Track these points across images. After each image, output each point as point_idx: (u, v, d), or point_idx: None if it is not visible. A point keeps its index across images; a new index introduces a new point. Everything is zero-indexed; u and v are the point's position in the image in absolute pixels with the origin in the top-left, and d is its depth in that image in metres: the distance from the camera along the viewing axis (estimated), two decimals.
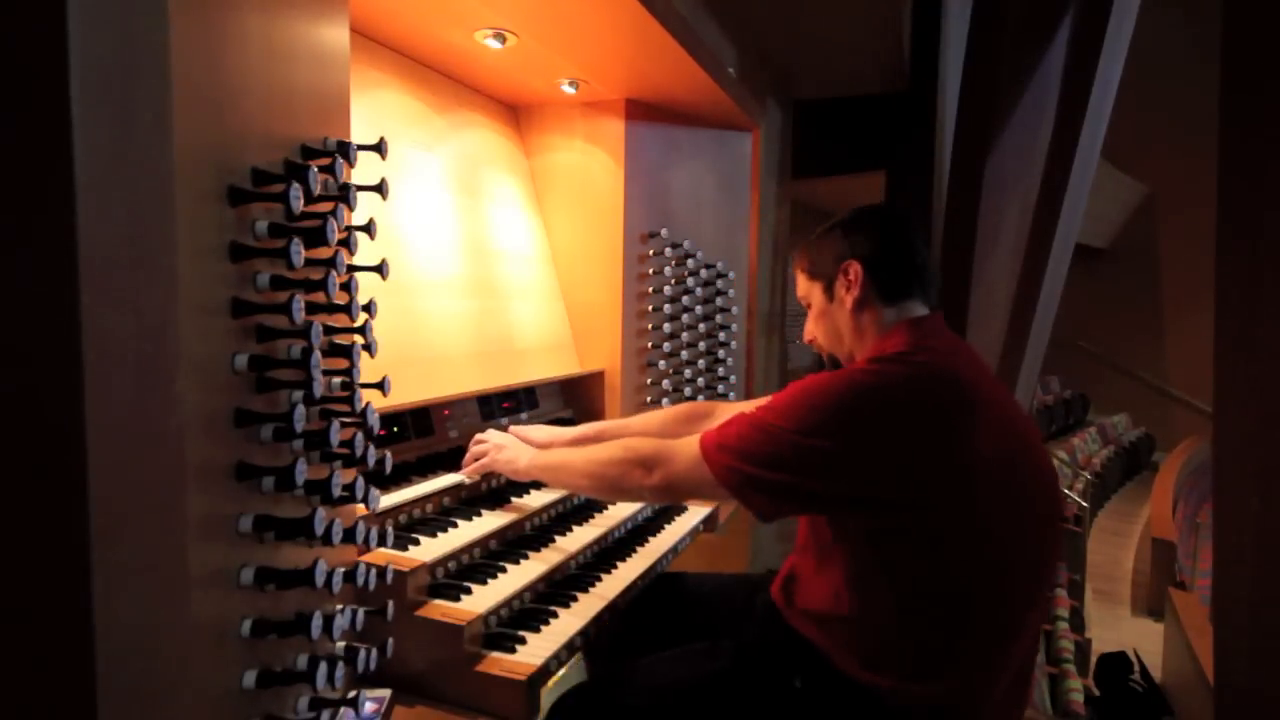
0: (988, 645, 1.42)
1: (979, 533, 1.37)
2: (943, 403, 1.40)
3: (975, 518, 1.37)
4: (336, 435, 1.12)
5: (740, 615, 1.74)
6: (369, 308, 1.23)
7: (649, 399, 2.71)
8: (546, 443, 1.98)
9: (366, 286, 1.23)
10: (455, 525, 1.68)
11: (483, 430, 1.94)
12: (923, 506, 1.36)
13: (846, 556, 1.47)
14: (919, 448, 1.36)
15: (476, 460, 1.84)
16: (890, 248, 1.60)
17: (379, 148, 1.26)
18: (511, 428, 2.01)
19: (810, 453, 1.37)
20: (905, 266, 1.59)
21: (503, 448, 1.84)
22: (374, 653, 1.18)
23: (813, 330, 1.72)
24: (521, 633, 1.49)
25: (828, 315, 1.66)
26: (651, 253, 2.68)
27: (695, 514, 2.37)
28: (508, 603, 1.55)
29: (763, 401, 1.55)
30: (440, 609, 1.43)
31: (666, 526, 2.23)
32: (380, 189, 1.28)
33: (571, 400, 2.60)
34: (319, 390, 1.09)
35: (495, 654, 1.42)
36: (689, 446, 1.53)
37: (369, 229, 1.26)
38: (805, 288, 1.72)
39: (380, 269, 1.29)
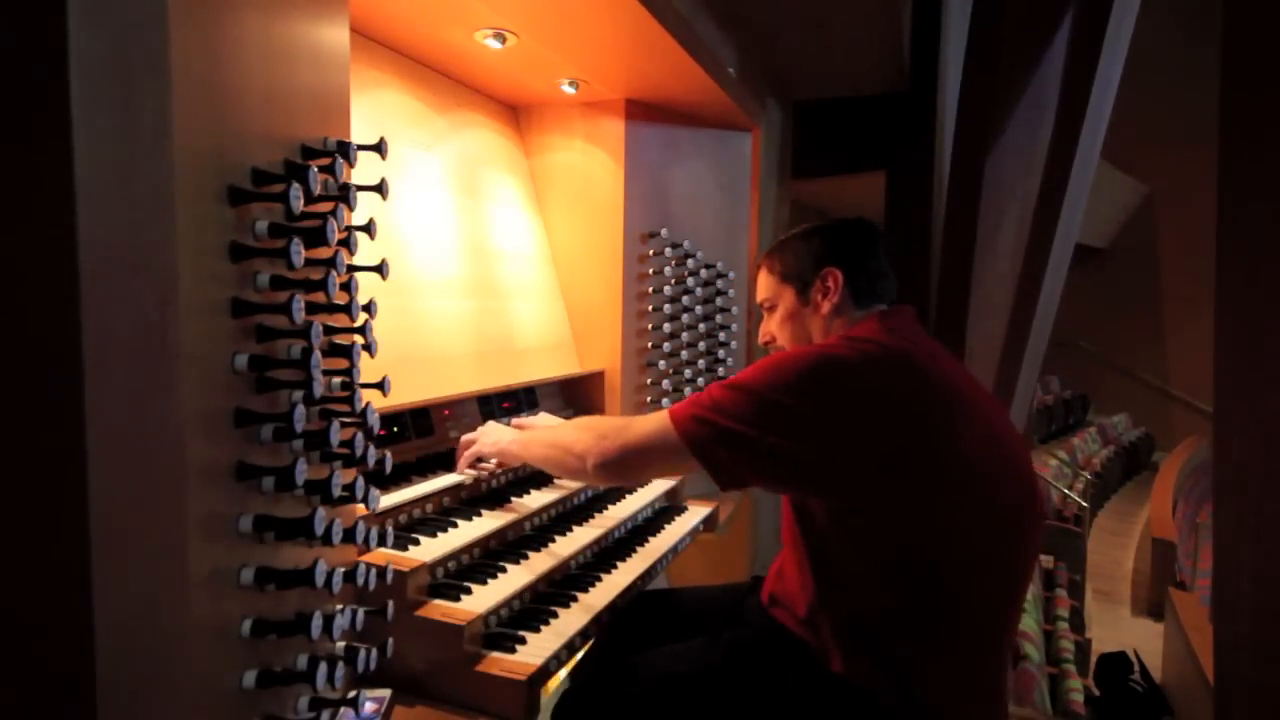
0: (974, 640, 1.43)
1: (948, 525, 1.38)
2: (912, 384, 1.41)
3: (944, 508, 1.37)
4: (336, 435, 1.12)
5: (731, 618, 1.75)
6: (369, 308, 1.23)
7: (649, 399, 2.71)
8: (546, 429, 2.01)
9: (366, 286, 1.23)
10: (455, 525, 1.68)
11: None
12: (887, 490, 1.36)
13: (821, 552, 1.47)
14: (885, 424, 1.36)
15: (466, 453, 1.85)
16: (868, 256, 1.66)
17: (379, 148, 1.26)
18: (514, 419, 2.02)
19: (777, 409, 1.38)
20: (878, 277, 1.65)
21: (487, 433, 1.85)
22: (374, 653, 1.18)
23: (773, 332, 1.75)
24: (521, 633, 1.49)
25: (797, 318, 1.70)
26: (651, 253, 2.68)
27: (695, 514, 2.37)
28: (508, 603, 1.55)
29: None
30: (440, 609, 1.43)
31: (666, 526, 2.23)
32: (380, 189, 1.28)
33: (571, 400, 2.60)
34: (319, 390, 1.09)
35: (495, 654, 1.42)
36: (655, 413, 1.55)
37: (369, 229, 1.26)
38: (774, 290, 1.74)
39: (380, 269, 1.29)
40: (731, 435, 1.41)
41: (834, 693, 1.45)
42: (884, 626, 1.42)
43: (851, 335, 1.52)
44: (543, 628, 1.53)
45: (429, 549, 1.54)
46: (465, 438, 1.88)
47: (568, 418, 2.51)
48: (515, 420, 2.00)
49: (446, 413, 2.00)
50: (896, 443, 1.36)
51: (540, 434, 1.78)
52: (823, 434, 1.37)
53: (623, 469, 1.58)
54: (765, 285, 1.76)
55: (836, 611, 1.46)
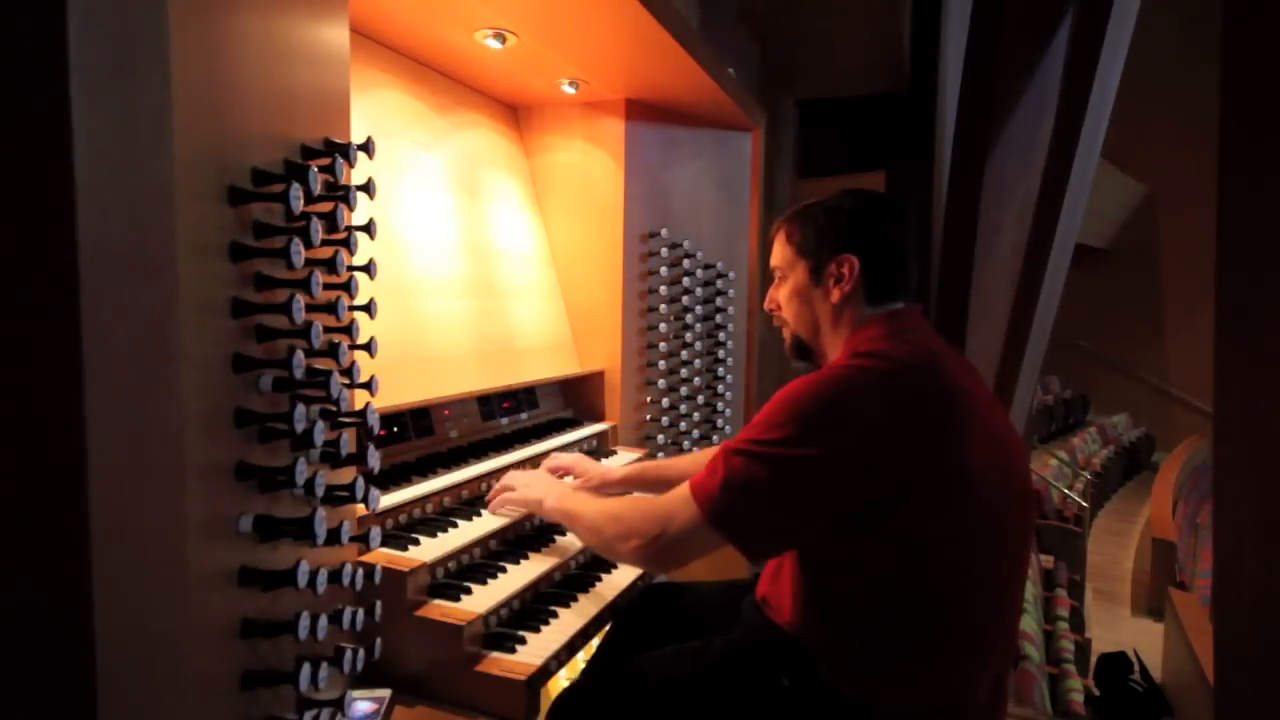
0: (966, 647, 1.41)
1: (946, 535, 1.36)
2: (926, 395, 1.37)
3: (944, 521, 1.35)
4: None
5: (730, 617, 1.74)
6: (369, 308, 1.23)
7: (649, 399, 2.71)
8: (602, 476, 1.99)
9: (367, 286, 1.23)
10: (455, 525, 1.68)
11: (482, 430, 1.93)
12: (890, 509, 1.34)
13: (813, 561, 1.46)
14: (905, 441, 1.33)
15: (501, 496, 1.80)
16: (891, 249, 1.56)
17: (365, 147, 1.24)
18: (560, 459, 2.04)
19: (800, 463, 1.33)
20: (898, 269, 1.56)
21: (528, 485, 1.78)
22: (373, 652, 1.18)
23: (778, 301, 1.67)
24: (521, 633, 1.49)
25: (804, 297, 1.60)
26: (651, 253, 2.68)
27: None
28: (508, 603, 1.55)
29: None
30: (440, 609, 1.43)
31: None
32: (367, 188, 1.25)
33: (572, 400, 2.60)
34: None
35: (495, 654, 1.43)
36: (678, 490, 1.46)
37: (369, 229, 1.26)
38: (787, 260, 1.62)
39: (368, 268, 1.27)
40: (756, 500, 1.36)
41: (826, 700, 1.44)
42: (876, 635, 1.40)
43: (857, 350, 1.46)
44: (543, 628, 1.54)
45: (429, 549, 1.54)
46: (502, 485, 1.83)
47: (569, 419, 2.51)
48: (561, 460, 2.01)
49: (446, 413, 2.00)
50: (908, 464, 1.33)
51: (583, 513, 1.64)
52: (846, 468, 1.33)
53: (664, 559, 1.52)
54: (780, 253, 1.64)
55: (828, 619, 1.45)
